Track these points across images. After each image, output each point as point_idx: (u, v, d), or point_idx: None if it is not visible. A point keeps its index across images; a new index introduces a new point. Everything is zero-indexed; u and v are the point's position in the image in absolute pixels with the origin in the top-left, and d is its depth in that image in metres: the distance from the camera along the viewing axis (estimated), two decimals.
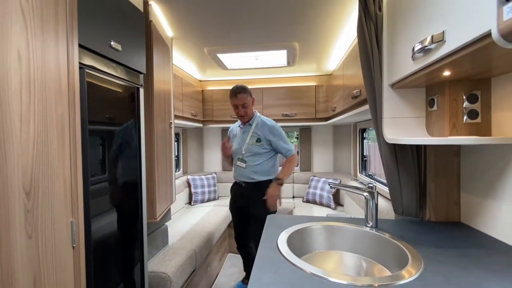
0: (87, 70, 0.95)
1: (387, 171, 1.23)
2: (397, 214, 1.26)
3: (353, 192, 1.21)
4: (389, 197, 1.31)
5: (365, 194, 1.12)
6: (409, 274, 0.75)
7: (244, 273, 2.25)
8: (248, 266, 2.17)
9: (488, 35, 0.55)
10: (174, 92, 2.14)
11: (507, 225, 0.92)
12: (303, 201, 3.23)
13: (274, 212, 1.92)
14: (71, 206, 0.86)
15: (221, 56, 2.50)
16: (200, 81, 3.44)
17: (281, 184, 1.88)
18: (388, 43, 1.14)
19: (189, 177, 3.33)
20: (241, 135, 2.02)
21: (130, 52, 1.22)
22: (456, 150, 1.16)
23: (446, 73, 0.90)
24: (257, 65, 2.84)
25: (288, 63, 2.71)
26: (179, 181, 3.13)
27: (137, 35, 1.32)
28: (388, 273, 0.93)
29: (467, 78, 0.97)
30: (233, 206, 2.10)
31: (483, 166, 1.03)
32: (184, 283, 1.80)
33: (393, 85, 1.14)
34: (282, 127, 2.08)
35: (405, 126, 1.16)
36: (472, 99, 0.99)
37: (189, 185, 3.30)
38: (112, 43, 1.07)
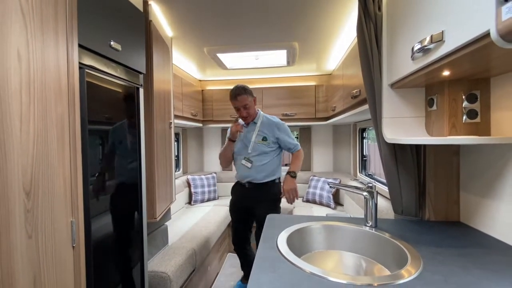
0: (87, 70, 0.95)
1: (387, 171, 1.23)
2: (397, 213, 1.26)
3: (352, 191, 1.21)
4: (388, 196, 1.31)
5: (365, 193, 1.12)
6: (409, 273, 0.75)
7: (243, 273, 2.23)
8: (247, 267, 2.13)
9: (487, 35, 0.55)
10: (174, 92, 2.14)
11: (506, 225, 0.92)
12: (303, 201, 3.23)
13: (279, 202, 1.93)
14: (71, 206, 0.86)
15: (221, 56, 2.50)
16: (200, 81, 3.44)
17: (294, 177, 1.85)
18: (388, 43, 1.14)
19: (189, 176, 3.33)
20: (246, 134, 1.94)
21: (130, 52, 1.22)
22: (455, 149, 1.17)
23: (446, 73, 0.91)
24: (257, 65, 2.84)
25: (288, 63, 2.71)
26: (179, 180, 3.13)
27: (137, 35, 1.32)
28: (387, 272, 0.93)
29: (466, 78, 0.97)
30: (236, 207, 2.02)
31: (483, 165, 1.03)
32: (184, 283, 1.80)
33: (392, 85, 1.14)
34: None
35: (404, 126, 1.16)
36: (471, 99, 0.99)
37: (189, 185, 3.30)
38: (112, 43, 1.07)
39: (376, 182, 2.37)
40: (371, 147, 2.89)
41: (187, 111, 2.82)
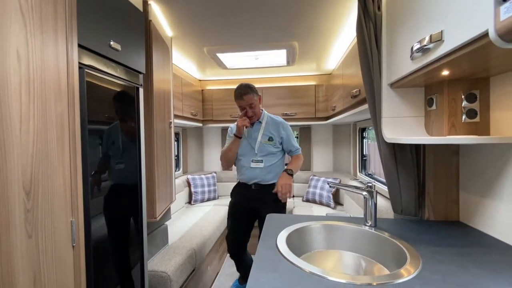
0: (86, 70, 0.95)
1: (386, 171, 1.23)
2: (396, 213, 1.26)
3: (352, 191, 1.21)
4: (388, 196, 1.31)
5: (364, 193, 1.12)
6: (408, 272, 0.75)
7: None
8: (245, 269, 2.01)
9: (485, 35, 0.55)
10: (173, 91, 2.14)
11: (506, 224, 0.92)
12: (303, 201, 3.24)
13: (285, 203, 1.85)
14: (71, 206, 0.87)
15: (221, 56, 2.50)
16: (200, 80, 3.44)
17: (291, 175, 1.75)
18: (387, 42, 1.14)
19: (189, 176, 3.33)
20: (251, 134, 1.84)
21: (129, 52, 1.23)
22: (455, 149, 1.17)
23: (445, 72, 0.91)
24: (256, 65, 2.84)
25: (288, 62, 2.71)
26: (179, 180, 3.13)
27: (137, 34, 1.32)
28: (387, 272, 0.93)
29: (465, 77, 0.97)
30: (238, 209, 1.89)
31: (482, 165, 1.03)
32: (184, 282, 1.80)
33: (392, 85, 1.14)
34: None
35: (404, 126, 1.16)
36: (470, 98, 0.99)
37: (189, 185, 3.30)
38: (111, 43, 1.07)
39: (376, 182, 2.38)
40: (371, 147, 2.89)
41: (187, 111, 2.82)
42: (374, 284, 0.71)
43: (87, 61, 0.95)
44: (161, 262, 1.70)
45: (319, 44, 2.26)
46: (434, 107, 1.07)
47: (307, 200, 3.19)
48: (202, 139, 3.89)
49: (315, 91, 3.22)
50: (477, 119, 0.99)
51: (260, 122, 1.85)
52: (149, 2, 1.54)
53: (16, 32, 0.67)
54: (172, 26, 1.87)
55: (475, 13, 0.59)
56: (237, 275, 2.26)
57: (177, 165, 3.40)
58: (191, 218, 2.71)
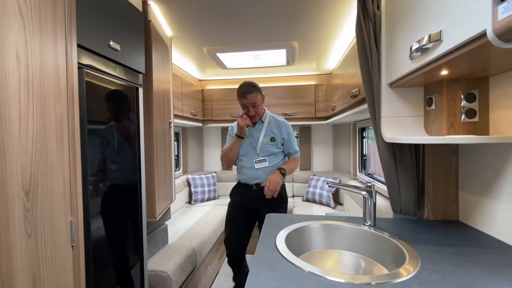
0: (86, 70, 0.95)
1: (386, 170, 1.23)
2: (396, 213, 1.26)
3: (351, 191, 1.21)
4: (388, 196, 1.31)
5: (363, 193, 1.12)
6: (406, 272, 0.75)
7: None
8: (242, 282, 1.91)
9: (483, 34, 0.55)
10: (173, 91, 2.14)
11: (505, 224, 0.92)
12: (303, 200, 3.24)
13: (286, 204, 1.82)
14: (70, 205, 0.87)
15: (221, 56, 2.50)
16: (199, 80, 3.44)
17: (283, 174, 1.71)
18: (387, 42, 1.14)
19: (189, 176, 3.33)
20: (253, 134, 1.80)
21: (129, 52, 1.23)
22: (454, 149, 1.17)
23: (444, 72, 0.91)
24: (256, 64, 2.84)
25: (288, 62, 2.71)
26: (179, 180, 3.14)
27: (136, 34, 1.32)
28: (386, 271, 0.93)
29: (464, 77, 0.97)
30: (239, 208, 1.82)
31: (481, 165, 1.03)
32: (183, 282, 1.81)
33: (391, 84, 1.14)
34: None
35: (403, 125, 1.16)
36: (470, 98, 0.99)
37: (189, 184, 3.30)
38: (111, 43, 1.07)
39: (376, 182, 2.38)
40: (371, 146, 2.89)
41: (187, 110, 2.82)
42: (373, 283, 0.71)
43: (87, 61, 0.96)
44: (161, 262, 1.71)
45: (319, 44, 2.26)
46: (433, 106, 1.07)
47: (307, 200, 3.19)
48: (202, 139, 3.89)
49: (315, 91, 3.22)
50: (476, 119, 0.99)
51: (263, 122, 1.81)
52: (148, 2, 1.54)
53: (15, 32, 0.67)
54: (172, 26, 1.87)
55: (474, 12, 0.59)
56: None
57: (177, 165, 3.40)
58: (191, 218, 2.72)
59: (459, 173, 1.16)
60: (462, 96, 1.00)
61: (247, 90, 1.69)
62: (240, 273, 1.93)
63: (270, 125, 1.80)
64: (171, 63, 2.01)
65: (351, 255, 1.08)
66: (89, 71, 0.97)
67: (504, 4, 0.46)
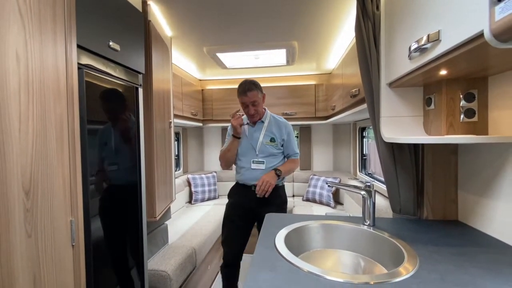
0: (85, 70, 0.95)
1: (385, 170, 1.23)
2: (395, 212, 1.27)
3: (350, 191, 1.22)
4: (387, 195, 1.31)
5: (363, 192, 1.12)
6: (405, 271, 0.75)
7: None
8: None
9: (481, 35, 0.55)
10: (173, 91, 2.14)
11: (504, 224, 0.92)
12: (303, 200, 3.24)
13: (285, 206, 1.79)
14: (71, 205, 0.87)
15: (220, 55, 2.51)
16: (200, 80, 3.44)
17: (278, 175, 1.67)
18: (386, 42, 1.14)
19: (189, 176, 3.34)
20: (252, 134, 1.76)
21: (128, 52, 1.23)
22: (453, 148, 1.17)
23: (443, 72, 0.91)
24: (256, 64, 2.85)
25: (288, 62, 2.71)
26: (179, 180, 3.14)
27: (136, 35, 1.32)
28: (385, 271, 0.93)
29: (463, 77, 0.97)
30: (237, 208, 1.76)
31: (480, 164, 1.03)
32: (184, 282, 1.81)
33: (390, 84, 1.14)
34: None
35: (402, 125, 1.16)
36: (469, 98, 0.99)
37: (189, 184, 3.31)
38: (110, 43, 1.07)
39: (376, 181, 2.38)
40: (371, 146, 2.89)
41: (187, 110, 2.83)
42: (372, 283, 0.71)
43: (86, 61, 0.96)
44: (161, 261, 1.71)
45: (318, 44, 2.26)
46: (432, 106, 1.07)
47: (307, 200, 3.19)
48: (202, 139, 3.90)
49: (315, 91, 3.22)
50: (475, 119, 0.99)
51: (263, 122, 1.76)
52: (148, 2, 1.54)
53: (15, 33, 0.67)
54: (172, 26, 1.87)
55: (471, 13, 0.60)
56: (240, 273, 2.22)
57: (177, 165, 3.41)
58: (191, 217, 2.72)
59: (458, 173, 1.16)
60: (461, 96, 1.00)
61: (248, 87, 1.65)
62: (231, 281, 1.82)
63: (270, 125, 1.76)
64: (171, 63, 2.01)
65: (350, 254, 1.08)
66: (89, 71, 0.98)
67: (501, 4, 0.47)
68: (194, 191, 3.28)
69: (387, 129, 1.14)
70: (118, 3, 1.18)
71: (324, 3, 1.60)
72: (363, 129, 3.00)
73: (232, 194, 1.84)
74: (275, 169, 1.70)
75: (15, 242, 0.67)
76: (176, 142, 3.37)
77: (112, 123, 1.16)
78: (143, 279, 1.39)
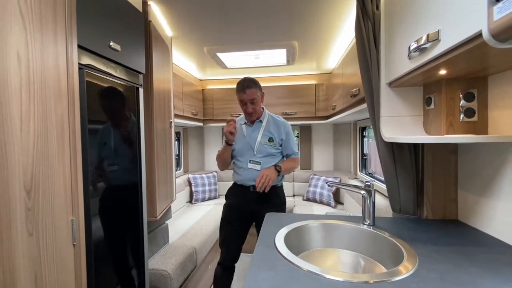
0: (86, 70, 0.96)
1: (385, 169, 1.23)
2: (395, 212, 1.27)
3: (350, 190, 1.22)
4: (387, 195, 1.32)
5: (362, 192, 1.13)
6: (404, 271, 0.75)
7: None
8: None
9: (480, 34, 0.55)
10: (174, 91, 2.14)
11: (504, 223, 0.92)
12: (303, 200, 3.24)
13: (284, 207, 1.77)
14: (72, 204, 0.88)
15: (221, 55, 2.51)
16: (200, 80, 3.45)
17: (278, 171, 1.63)
18: (386, 41, 1.14)
19: (190, 175, 3.34)
20: (250, 133, 1.72)
21: (129, 52, 1.23)
22: (453, 148, 1.17)
23: (442, 71, 0.91)
24: (257, 64, 2.85)
25: (288, 61, 2.71)
26: (180, 179, 3.15)
27: (136, 35, 1.33)
28: (384, 270, 0.94)
29: (463, 76, 0.97)
30: (234, 211, 1.73)
31: (480, 164, 1.03)
32: (184, 281, 1.82)
33: (390, 84, 1.14)
34: None
35: (402, 125, 1.16)
36: (468, 97, 0.99)
37: (190, 184, 3.32)
38: (111, 43, 1.08)
39: (376, 181, 2.38)
40: (372, 146, 2.89)
41: (187, 110, 2.83)
42: (371, 282, 0.71)
43: (87, 61, 0.96)
44: (161, 261, 1.72)
45: (319, 44, 2.26)
46: (432, 106, 1.07)
47: (308, 199, 3.20)
48: (203, 139, 3.90)
49: (315, 90, 3.22)
50: (475, 118, 0.99)
51: (261, 121, 1.74)
52: (148, 3, 1.54)
53: (16, 34, 0.68)
54: (172, 26, 1.88)
55: (470, 13, 0.60)
56: (238, 273, 2.22)
57: (178, 165, 3.41)
58: (192, 217, 2.73)
59: (458, 173, 1.17)
60: (461, 96, 1.00)
61: (247, 84, 1.63)
62: (228, 283, 1.78)
63: (268, 125, 1.73)
64: (172, 63, 2.02)
65: (350, 254, 1.08)
66: (89, 71, 0.98)
67: (499, 4, 0.47)
68: (195, 191, 3.29)
69: (387, 129, 1.14)
70: (119, 3, 1.18)
71: (324, 3, 1.60)
72: (363, 129, 3.00)
73: (229, 195, 1.81)
74: (275, 165, 1.67)
75: (16, 241, 0.68)
76: (176, 142, 3.37)
77: (112, 123, 1.17)
78: (143, 278, 1.39)
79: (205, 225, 2.46)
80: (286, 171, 1.71)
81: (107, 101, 1.13)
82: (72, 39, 0.87)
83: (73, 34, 0.88)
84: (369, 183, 1.13)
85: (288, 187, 3.48)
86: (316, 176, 3.28)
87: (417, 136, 1.11)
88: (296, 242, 1.05)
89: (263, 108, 1.77)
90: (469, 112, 0.99)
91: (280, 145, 1.73)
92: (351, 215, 1.70)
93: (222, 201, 3.23)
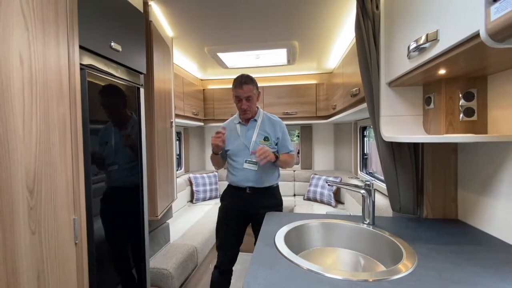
0: (87, 71, 0.97)
1: (385, 169, 1.24)
2: (395, 211, 1.27)
3: (350, 189, 1.22)
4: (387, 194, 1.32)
5: (362, 191, 1.13)
6: (403, 269, 0.76)
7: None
8: None
9: (477, 35, 0.56)
10: (175, 91, 2.15)
11: (503, 222, 0.93)
12: (304, 199, 3.25)
13: (281, 207, 1.74)
14: (73, 204, 0.88)
15: (221, 55, 2.52)
16: (201, 80, 3.45)
17: (276, 158, 1.60)
18: (385, 41, 1.14)
19: (191, 175, 3.35)
20: (245, 132, 1.69)
21: (130, 53, 1.24)
22: (453, 147, 1.17)
23: (442, 71, 0.91)
24: (257, 64, 2.85)
25: (288, 61, 2.72)
26: (181, 179, 3.16)
27: (137, 35, 1.34)
28: (384, 269, 0.94)
29: (463, 76, 0.97)
30: (230, 213, 1.67)
31: (480, 163, 1.04)
32: (185, 280, 1.83)
33: (390, 84, 1.15)
34: None
35: (402, 124, 1.16)
36: (468, 97, 0.99)
37: (190, 184, 3.32)
38: (112, 43, 1.09)
39: (377, 181, 2.38)
40: (372, 146, 2.89)
41: (188, 110, 2.84)
42: (370, 280, 0.72)
43: (88, 62, 0.97)
44: (162, 260, 1.73)
45: (319, 43, 2.26)
46: (432, 105, 1.08)
47: (308, 199, 3.20)
48: (204, 138, 3.91)
49: (316, 90, 3.23)
50: (474, 118, 0.99)
51: (256, 120, 1.70)
52: (149, 3, 1.55)
53: (19, 35, 0.68)
54: (173, 26, 1.89)
55: (468, 13, 0.60)
56: (239, 273, 2.23)
57: (179, 164, 3.42)
58: (193, 216, 2.74)
59: (458, 172, 1.17)
60: (460, 95, 1.00)
61: (244, 80, 1.60)
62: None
63: (263, 124, 1.70)
64: (172, 63, 2.02)
65: (350, 253, 1.09)
66: (91, 71, 0.99)
67: (496, 4, 0.47)
68: (196, 190, 3.30)
69: (386, 128, 1.15)
70: (119, 4, 1.19)
71: (325, 2, 1.60)
72: (364, 129, 3.00)
73: (225, 197, 1.75)
74: (275, 152, 1.63)
75: (19, 240, 0.69)
76: (177, 142, 3.38)
77: (114, 122, 1.17)
78: (144, 277, 1.40)
79: (206, 225, 2.47)
80: (282, 162, 1.66)
81: (108, 99, 1.14)
82: (74, 40, 0.88)
83: (74, 34, 0.88)
84: (369, 183, 1.13)
85: (288, 187, 3.48)
86: (316, 176, 3.28)
87: (417, 135, 1.11)
88: (296, 241, 1.05)
89: (257, 107, 1.75)
90: (468, 112, 1.00)
91: (276, 144, 1.70)
92: (351, 214, 1.70)
93: None
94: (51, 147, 0.79)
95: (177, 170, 2.97)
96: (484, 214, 1.02)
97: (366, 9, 1.18)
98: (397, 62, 1.03)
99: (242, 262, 2.37)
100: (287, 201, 3.16)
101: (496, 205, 0.95)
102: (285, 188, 3.46)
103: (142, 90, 1.38)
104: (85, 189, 0.94)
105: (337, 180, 3.00)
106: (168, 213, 1.98)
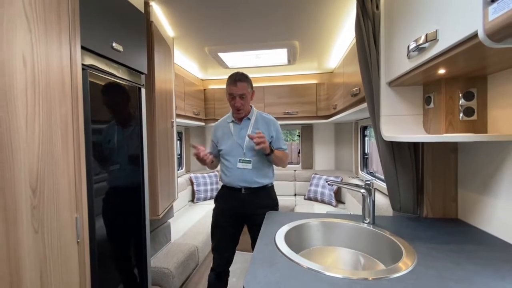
0: (89, 71, 0.97)
1: (385, 168, 1.24)
2: (395, 210, 1.27)
3: (350, 189, 1.23)
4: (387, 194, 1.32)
5: (362, 191, 1.13)
6: (403, 268, 0.76)
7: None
8: None
9: (476, 35, 0.56)
10: (176, 91, 2.16)
11: (503, 222, 0.93)
12: (305, 199, 3.25)
13: (277, 207, 1.70)
14: (76, 203, 0.89)
15: (222, 55, 2.52)
16: (202, 80, 3.46)
17: (271, 150, 1.56)
18: (385, 41, 1.15)
19: (192, 175, 3.36)
20: (238, 131, 1.65)
21: (131, 53, 1.25)
22: (453, 147, 1.17)
23: (442, 71, 0.91)
24: (258, 64, 2.86)
25: (289, 61, 2.72)
26: (182, 179, 3.17)
27: (138, 35, 1.34)
28: (383, 268, 0.95)
29: (462, 75, 0.98)
30: (225, 214, 1.65)
31: (480, 163, 1.04)
32: (186, 279, 1.83)
33: (390, 83, 1.15)
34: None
35: (402, 124, 1.17)
36: (468, 96, 1.00)
37: (191, 183, 3.33)
38: (113, 44, 1.09)
39: (377, 180, 2.38)
40: (373, 145, 2.89)
41: (189, 110, 2.85)
42: (370, 279, 0.72)
43: (90, 62, 0.98)
44: (163, 259, 1.73)
45: (320, 43, 2.27)
46: (432, 105, 1.08)
47: (309, 198, 3.20)
48: (205, 138, 3.92)
49: (317, 90, 3.23)
50: (474, 117, 1.00)
51: (249, 119, 1.67)
52: (150, 3, 1.56)
53: (22, 37, 0.69)
54: (174, 26, 1.89)
55: (466, 13, 0.60)
56: (239, 272, 2.24)
57: (180, 164, 3.43)
58: (194, 216, 2.75)
59: (458, 171, 1.17)
60: (460, 95, 1.00)
61: (239, 78, 1.58)
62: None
63: (257, 122, 1.67)
64: (173, 63, 2.03)
65: (350, 252, 1.09)
66: (92, 72, 1.00)
67: (494, 5, 0.47)
68: (197, 190, 3.31)
69: (387, 128, 1.15)
70: (121, 4, 1.20)
71: (325, 2, 1.61)
72: (364, 128, 3.00)
73: (219, 198, 1.71)
74: (271, 146, 1.59)
75: (22, 238, 0.70)
76: (178, 142, 3.39)
77: (115, 122, 1.18)
78: (146, 276, 1.41)
79: (207, 224, 2.47)
80: (276, 158, 1.62)
81: (110, 99, 1.15)
82: (76, 41, 0.89)
83: (76, 35, 0.89)
84: (369, 182, 1.14)
85: (289, 187, 3.49)
86: (317, 176, 3.29)
87: (417, 135, 1.12)
88: (296, 240, 1.06)
89: (251, 106, 1.72)
90: (468, 111, 1.00)
91: (270, 143, 1.64)
92: (351, 214, 1.70)
93: None
94: (54, 147, 0.80)
95: (178, 170, 2.98)
96: (484, 213, 1.02)
97: (366, 9, 1.19)
98: (397, 62, 1.03)
99: (242, 261, 2.38)
100: (287, 200, 3.17)
101: (496, 204, 0.96)
102: (285, 188, 3.46)
103: (143, 90, 1.39)
104: (87, 188, 0.95)
105: (338, 180, 3.00)
106: (169, 213, 1.98)
